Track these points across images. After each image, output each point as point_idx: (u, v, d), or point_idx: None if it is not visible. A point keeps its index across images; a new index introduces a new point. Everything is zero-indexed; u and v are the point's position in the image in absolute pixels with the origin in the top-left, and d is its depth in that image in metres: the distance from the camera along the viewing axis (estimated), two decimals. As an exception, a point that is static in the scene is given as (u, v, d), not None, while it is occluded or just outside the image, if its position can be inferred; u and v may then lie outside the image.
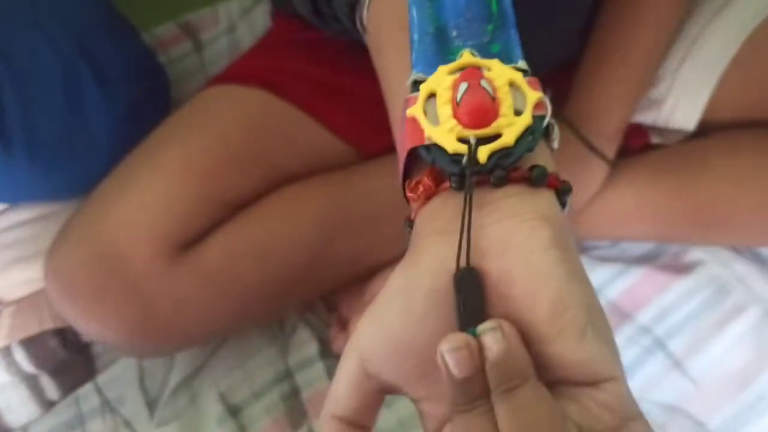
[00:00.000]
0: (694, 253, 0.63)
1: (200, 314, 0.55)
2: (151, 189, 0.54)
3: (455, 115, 0.24)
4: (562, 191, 0.25)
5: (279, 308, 0.62)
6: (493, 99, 0.24)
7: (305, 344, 0.62)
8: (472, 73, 0.24)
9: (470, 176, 0.23)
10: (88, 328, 0.54)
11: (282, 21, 0.67)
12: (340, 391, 0.25)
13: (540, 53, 0.57)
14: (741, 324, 0.59)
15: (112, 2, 0.68)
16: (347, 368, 0.25)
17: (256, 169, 0.58)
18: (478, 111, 0.24)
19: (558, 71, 0.60)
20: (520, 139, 0.24)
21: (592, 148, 0.58)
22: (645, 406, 0.53)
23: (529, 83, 0.25)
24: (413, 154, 0.25)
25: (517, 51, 0.25)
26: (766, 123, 0.58)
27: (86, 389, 0.61)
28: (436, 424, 0.24)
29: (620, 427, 0.22)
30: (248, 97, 0.59)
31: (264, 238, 0.56)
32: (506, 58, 0.25)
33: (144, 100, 0.66)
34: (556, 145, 0.26)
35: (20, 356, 0.60)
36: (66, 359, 0.62)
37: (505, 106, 0.24)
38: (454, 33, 0.26)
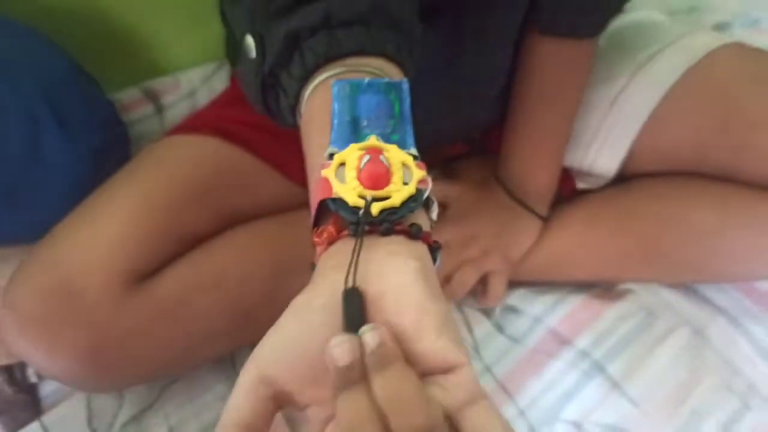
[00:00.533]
0: (624, 284, 0.67)
1: (153, 346, 0.55)
2: (107, 222, 0.56)
3: (358, 178, 0.30)
4: (434, 248, 0.32)
5: (232, 343, 0.63)
6: (388, 170, 0.31)
7: (257, 379, 0.62)
8: (374, 151, 0.31)
9: (363, 223, 0.30)
10: (39, 358, 0.53)
11: (238, 80, 0.73)
12: (239, 399, 0.27)
13: (463, 119, 0.63)
14: (672, 345, 0.62)
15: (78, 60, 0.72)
16: (245, 377, 0.28)
17: (209, 206, 0.60)
18: (375, 176, 0.30)
19: (485, 134, 0.67)
20: (404, 203, 0.30)
21: (527, 207, 0.64)
22: (588, 428, 0.56)
23: (417, 165, 0.31)
24: (322, 208, 0.32)
25: (410, 141, 0.32)
26: (683, 172, 0.64)
27: (31, 428, 0.60)
28: (319, 426, 0.28)
29: (471, 401, 0.26)
30: (201, 143, 0.63)
31: (218, 271, 0.58)
32: (402, 145, 0.32)
33: (104, 148, 0.69)
34: (434, 216, 0.33)
35: (-37, 395, 0.59)
36: (11, 398, 0.60)
37: (396, 177, 0.31)
38: (365, 123, 0.33)
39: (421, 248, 0.30)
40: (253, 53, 0.39)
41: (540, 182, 0.65)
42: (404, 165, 0.31)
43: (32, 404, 0.62)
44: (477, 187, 0.68)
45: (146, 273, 0.56)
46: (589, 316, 0.65)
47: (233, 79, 0.79)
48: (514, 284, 0.67)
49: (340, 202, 0.30)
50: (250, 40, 0.40)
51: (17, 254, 0.67)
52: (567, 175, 0.70)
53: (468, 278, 0.64)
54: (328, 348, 0.26)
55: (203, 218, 0.60)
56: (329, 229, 0.31)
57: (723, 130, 0.60)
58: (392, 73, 0.37)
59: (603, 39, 0.62)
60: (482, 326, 0.66)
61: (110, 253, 0.54)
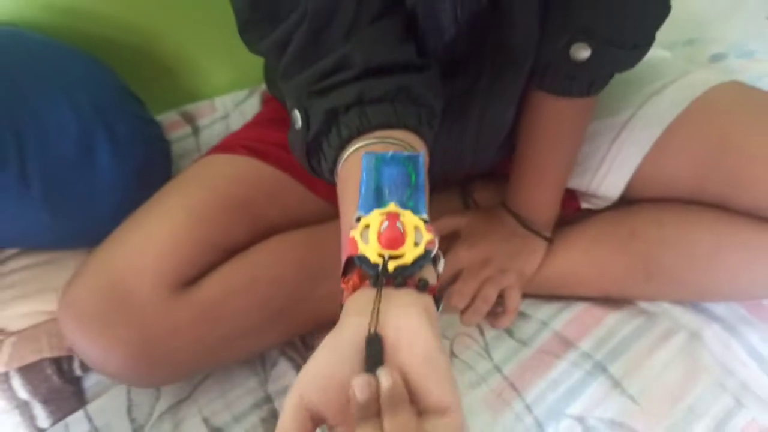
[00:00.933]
0: (627, 299, 0.72)
1: (194, 343, 0.60)
2: (157, 230, 0.61)
3: (378, 240, 0.37)
4: (437, 298, 0.39)
5: (263, 341, 0.68)
6: (402, 234, 0.38)
7: (284, 375, 0.68)
8: (392, 217, 0.38)
9: (382, 277, 0.37)
10: (92, 353, 0.58)
11: (271, 102, 0.80)
12: (286, 420, 0.34)
13: (471, 164, 0.69)
14: (669, 347, 0.67)
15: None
16: (290, 402, 0.34)
17: (246, 218, 0.66)
18: (392, 240, 0.37)
19: (495, 170, 0.74)
20: (415, 261, 0.37)
21: (534, 232, 0.70)
22: (591, 423, 0.60)
23: (427, 228, 0.38)
24: (350, 261, 0.39)
25: (422, 207, 0.40)
26: (683, 199, 0.68)
27: (76, 417, 0.65)
28: None
29: None
30: (239, 162, 0.69)
31: (252, 275, 0.63)
32: (415, 211, 0.39)
33: (149, 161, 0.76)
34: (440, 269, 0.40)
35: (17, 383, 0.64)
36: (59, 388, 0.66)
37: (409, 239, 0.38)
38: (387, 191, 0.40)
39: (428, 299, 0.38)
40: (299, 124, 0.48)
41: (544, 210, 0.71)
42: (416, 228, 0.38)
43: (77, 395, 0.67)
44: (487, 214, 0.74)
45: (191, 278, 0.61)
46: (592, 321, 0.70)
47: (265, 102, 0.86)
48: (522, 296, 0.72)
49: (363, 258, 0.37)
50: (296, 114, 0.48)
51: (61, 258, 0.74)
52: (572, 196, 0.75)
53: (490, 294, 0.69)
54: (351, 384, 0.33)
55: (241, 229, 0.65)
56: (354, 279, 0.38)
57: (720, 162, 0.63)
58: (414, 142, 0.45)
59: None
60: (493, 330, 0.71)
61: (160, 258, 0.59)
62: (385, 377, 0.34)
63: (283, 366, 0.68)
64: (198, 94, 0.97)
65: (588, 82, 0.59)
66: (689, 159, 0.66)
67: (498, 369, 0.67)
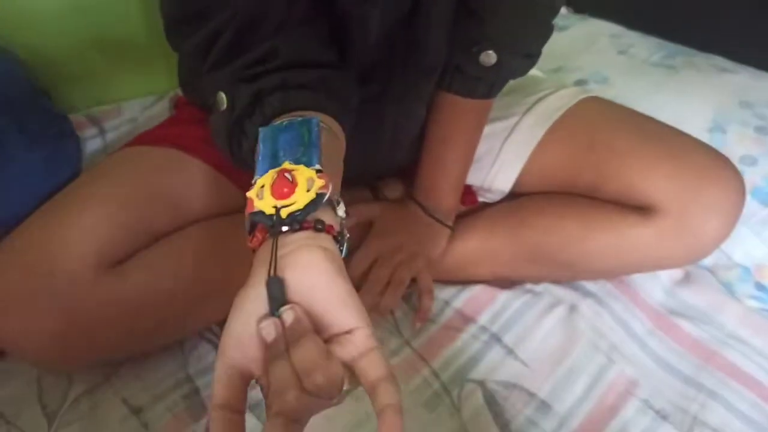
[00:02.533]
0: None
1: (117, 326, 0.61)
2: (80, 213, 0.61)
3: (271, 194, 0.40)
4: (338, 238, 0.41)
5: (186, 327, 0.69)
6: (293, 183, 0.39)
7: (205, 356, 0.69)
8: (282, 171, 0.40)
9: (277, 225, 0.39)
10: (11, 331, 0.57)
11: (185, 107, 0.83)
12: (216, 385, 0.37)
13: (385, 159, 0.77)
14: (552, 318, 0.77)
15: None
16: (217, 367, 0.37)
17: (168, 206, 0.67)
18: (281, 190, 0.39)
19: (403, 169, 0.82)
20: (306, 206, 0.39)
21: (438, 221, 0.79)
22: (490, 387, 0.68)
23: (320, 177, 0.40)
24: (252, 222, 0.41)
25: (315, 160, 0.41)
26: (561, 191, 0.79)
27: (-19, 406, 0.63)
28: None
29: (363, 353, 0.37)
30: (162, 153, 0.71)
31: (176, 261, 0.65)
32: (308, 164, 0.41)
33: (58, 153, 0.76)
34: (341, 213, 0.42)
35: None
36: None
37: (300, 188, 0.39)
38: (281, 154, 0.42)
39: (326, 238, 0.39)
40: (224, 106, 0.51)
41: (447, 202, 0.79)
42: (309, 179, 0.40)
43: (-19, 385, 0.65)
44: (396, 206, 0.82)
45: (115, 260, 0.61)
46: (487, 299, 0.79)
47: (178, 107, 0.89)
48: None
49: (258, 213, 0.39)
50: (222, 97, 0.51)
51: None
52: (470, 191, 0.85)
53: (404, 276, 0.76)
54: (258, 330, 0.36)
55: (164, 218, 0.67)
56: (257, 235, 0.40)
57: (590, 157, 0.75)
58: (332, 125, 0.49)
59: None
60: (401, 309, 0.77)
61: (83, 239, 0.59)
62: (286, 314, 0.36)
63: (202, 349, 0.70)
64: (104, 99, 0.97)
65: (490, 85, 0.70)
66: (565, 156, 0.77)
67: (408, 343, 0.74)
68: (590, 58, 1.07)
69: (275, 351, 0.35)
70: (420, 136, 0.77)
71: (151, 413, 0.64)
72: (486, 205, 0.84)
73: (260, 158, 0.43)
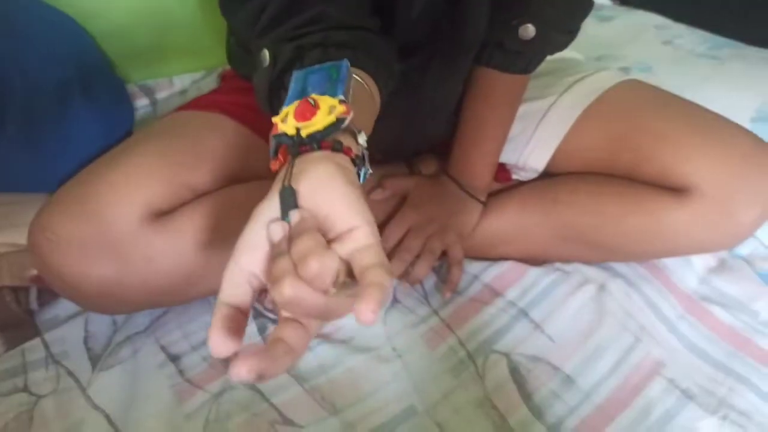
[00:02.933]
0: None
1: (165, 274, 0.63)
2: (131, 167, 0.65)
3: (294, 117, 0.41)
4: (357, 160, 0.42)
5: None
6: (315, 107, 0.41)
7: (238, 312, 0.72)
8: (306, 99, 0.42)
9: (297, 142, 0.40)
10: (66, 275, 0.60)
11: (231, 79, 0.86)
12: (223, 284, 0.38)
13: (423, 133, 0.78)
14: (581, 296, 0.77)
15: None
16: (227, 269, 0.38)
17: (214, 167, 0.70)
18: (302, 112, 0.41)
19: (441, 143, 0.83)
20: (326, 127, 0.40)
21: (471, 196, 0.80)
22: (515, 359, 0.69)
23: (342, 103, 0.41)
24: (276, 145, 0.42)
25: (340, 91, 0.42)
26: (598, 172, 0.79)
27: (32, 344, 0.67)
28: None
29: (362, 248, 0.37)
30: (211, 117, 0.74)
31: (221, 213, 0.67)
32: (332, 95, 0.42)
33: (116, 117, 0.81)
34: (362, 141, 0.43)
35: (-25, 307, 0.66)
36: (17, 315, 0.68)
37: (322, 111, 0.41)
38: (309, 89, 0.43)
39: (342, 157, 0.40)
40: (266, 63, 0.52)
41: (481, 178, 0.81)
42: (331, 106, 0.41)
43: (34, 326, 0.69)
44: (431, 180, 0.83)
45: (163, 211, 0.64)
46: (515, 276, 0.79)
47: (224, 79, 0.92)
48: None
49: (281, 135, 0.41)
50: (266, 53, 0.52)
51: (35, 202, 0.76)
52: (504, 168, 0.86)
53: (436, 247, 0.77)
54: (266, 229, 0.37)
55: (205, 175, 0.69)
56: (279, 157, 0.42)
57: (629, 139, 0.75)
58: (370, 84, 0.49)
59: (540, 67, 0.76)
60: (430, 280, 0.79)
61: (130, 190, 0.63)
62: (293, 214, 0.37)
63: (238, 305, 0.73)
64: (158, 74, 1.02)
65: (528, 60, 0.71)
66: (603, 137, 0.77)
67: (435, 313, 0.75)
68: (634, 48, 1.07)
69: (278, 250, 0.36)
70: (456, 111, 0.78)
71: (188, 361, 0.67)
72: (520, 183, 0.85)
73: (289, 95, 0.44)
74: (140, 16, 0.93)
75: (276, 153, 0.43)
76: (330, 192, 0.38)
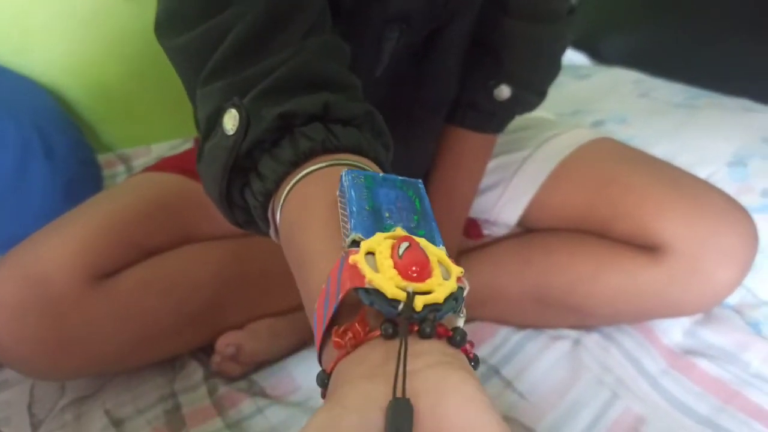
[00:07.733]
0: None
1: (107, 339, 0.62)
2: (76, 228, 0.64)
3: (396, 267, 0.26)
4: (474, 360, 0.28)
5: (176, 345, 0.69)
6: (427, 260, 0.27)
7: (193, 374, 0.69)
8: (410, 238, 0.27)
9: (407, 320, 0.25)
10: (4, 340, 0.58)
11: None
12: None
13: (404, 168, 0.77)
14: (555, 351, 0.73)
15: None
16: None
17: (169, 226, 0.70)
18: (418, 265, 0.26)
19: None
20: (447, 300, 0.26)
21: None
22: None
23: (452, 261, 0.28)
24: (343, 303, 0.27)
25: (439, 238, 0.30)
26: (570, 229, 0.77)
27: (-27, 410, 0.64)
28: None
29: None
30: (167, 177, 0.74)
31: (170, 276, 0.66)
32: (431, 242, 0.29)
33: (79, 179, 0.81)
34: (461, 323, 0.29)
35: None
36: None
37: (437, 270, 0.27)
38: (387, 215, 0.30)
39: (464, 359, 0.27)
40: (230, 127, 0.36)
41: (451, 239, 0.78)
42: (439, 261, 0.28)
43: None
44: None
45: (107, 273, 0.63)
46: (487, 333, 0.76)
47: (196, 140, 0.93)
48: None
49: (375, 293, 0.26)
50: (232, 113, 0.37)
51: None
52: (476, 224, 0.84)
53: None
54: None
55: (162, 234, 0.69)
56: (355, 327, 0.26)
57: (603, 192, 0.73)
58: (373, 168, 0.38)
59: (513, 124, 0.76)
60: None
61: (76, 252, 0.61)
62: None
63: (191, 366, 0.70)
64: (137, 140, 1.04)
65: (501, 120, 0.71)
66: (576, 191, 0.75)
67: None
68: (610, 101, 1.06)
69: None
70: (426, 174, 0.77)
71: (131, 425, 0.64)
72: (493, 242, 0.83)
73: (355, 210, 0.29)
74: (115, 84, 0.96)
75: (336, 323, 0.27)
76: (464, 426, 0.23)
